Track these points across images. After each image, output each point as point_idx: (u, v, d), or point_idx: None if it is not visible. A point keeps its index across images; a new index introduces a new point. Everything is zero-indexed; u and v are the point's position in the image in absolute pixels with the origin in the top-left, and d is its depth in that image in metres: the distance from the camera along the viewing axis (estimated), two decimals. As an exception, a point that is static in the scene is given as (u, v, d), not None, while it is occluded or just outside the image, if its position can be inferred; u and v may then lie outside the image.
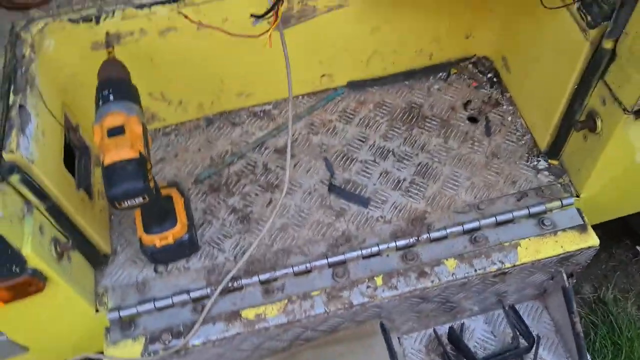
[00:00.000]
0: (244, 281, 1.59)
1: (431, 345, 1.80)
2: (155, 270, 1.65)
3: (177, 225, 1.56)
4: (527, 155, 1.78)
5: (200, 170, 1.82)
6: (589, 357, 1.69)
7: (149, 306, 1.58)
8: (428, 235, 1.62)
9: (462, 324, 1.79)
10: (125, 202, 1.30)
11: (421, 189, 1.74)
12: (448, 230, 1.63)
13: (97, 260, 1.64)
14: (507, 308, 1.77)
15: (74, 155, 1.65)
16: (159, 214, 1.54)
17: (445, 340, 1.78)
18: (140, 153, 1.32)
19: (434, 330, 1.79)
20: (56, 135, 1.53)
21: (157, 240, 1.55)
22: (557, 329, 1.81)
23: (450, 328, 1.73)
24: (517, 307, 1.81)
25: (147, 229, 1.55)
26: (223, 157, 1.85)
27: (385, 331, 1.57)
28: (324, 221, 1.70)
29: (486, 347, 1.79)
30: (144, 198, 1.32)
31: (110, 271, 1.65)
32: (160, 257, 1.61)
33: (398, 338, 1.74)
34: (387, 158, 1.82)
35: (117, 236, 1.72)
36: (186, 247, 1.62)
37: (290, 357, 1.67)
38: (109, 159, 1.30)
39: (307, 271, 1.61)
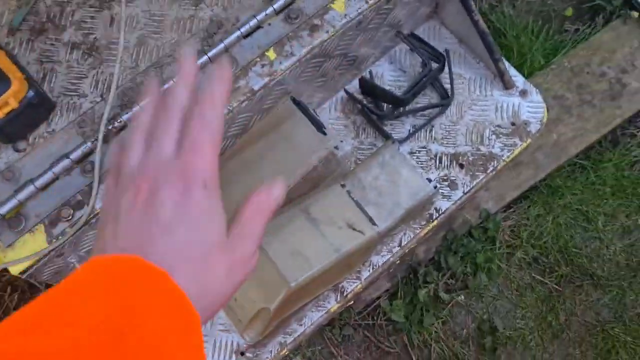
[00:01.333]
0: (124, 117, 1.33)
1: (347, 107, 1.68)
2: (17, 150, 1.34)
3: (12, 82, 1.23)
4: None
5: (8, 17, 1.43)
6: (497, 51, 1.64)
7: (29, 190, 1.29)
8: (303, -16, 1.40)
9: (370, 72, 1.67)
10: None
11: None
12: (322, -29, 1.40)
13: (-62, 166, 1.30)
14: (406, 36, 1.64)
15: None
16: (-19, 78, 1.20)
17: (358, 95, 1.65)
18: None
19: (345, 90, 1.66)
20: None
21: (-3, 110, 1.22)
22: (460, 40, 1.73)
23: (361, 79, 1.60)
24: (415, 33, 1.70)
25: (-23, 102, 1.21)
26: (29, -9, 1.45)
27: (298, 103, 1.40)
28: (183, 16, 1.41)
29: (400, 86, 1.69)
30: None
31: (-38, 173, 1.33)
32: (12, 130, 1.29)
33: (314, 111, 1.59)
34: None
35: (-53, 132, 1.36)
36: (38, 107, 1.30)
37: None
38: None
39: (190, 76, 1.36)
